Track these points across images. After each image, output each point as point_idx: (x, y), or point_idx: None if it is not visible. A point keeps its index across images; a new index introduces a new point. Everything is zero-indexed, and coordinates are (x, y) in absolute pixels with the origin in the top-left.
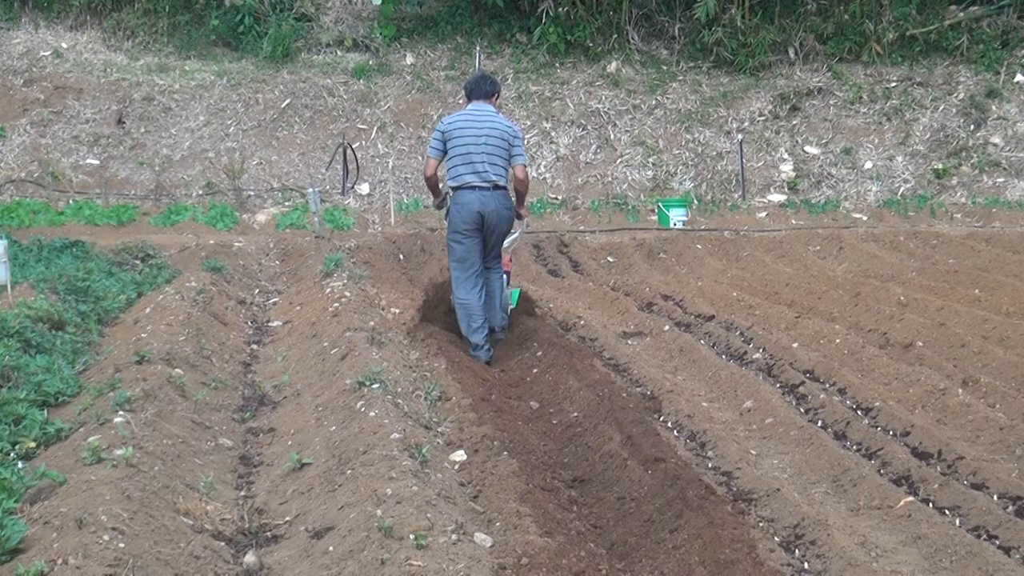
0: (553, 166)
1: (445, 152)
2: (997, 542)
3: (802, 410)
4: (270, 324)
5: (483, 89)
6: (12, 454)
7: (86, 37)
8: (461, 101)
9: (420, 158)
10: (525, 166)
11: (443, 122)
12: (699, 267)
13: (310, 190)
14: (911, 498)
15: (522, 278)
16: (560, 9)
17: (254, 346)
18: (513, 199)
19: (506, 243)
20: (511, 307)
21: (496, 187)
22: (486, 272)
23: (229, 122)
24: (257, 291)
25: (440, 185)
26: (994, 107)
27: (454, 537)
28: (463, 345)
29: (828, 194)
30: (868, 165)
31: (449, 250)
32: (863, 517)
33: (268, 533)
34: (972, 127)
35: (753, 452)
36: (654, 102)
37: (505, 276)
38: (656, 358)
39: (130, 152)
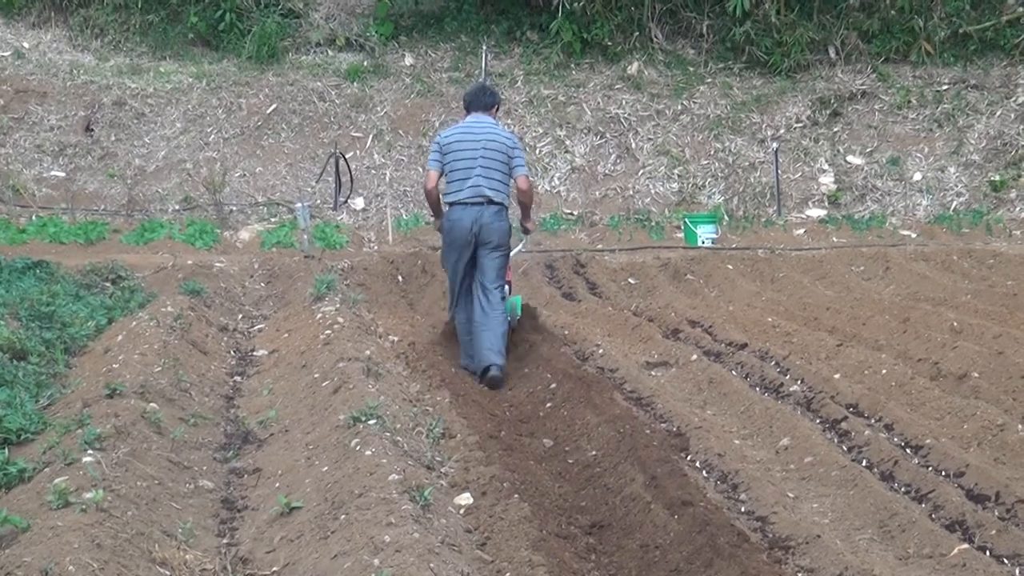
0: (568, 178)
1: (443, 164)
2: None
3: (845, 448)
4: (255, 353)
5: (482, 101)
6: None
7: (50, 36)
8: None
9: (420, 169)
10: (527, 176)
11: (441, 135)
12: (730, 290)
13: (299, 205)
14: (966, 545)
15: (534, 301)
16: (576, 4)
17: (237, 378)
18: (517, 213)
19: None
20: (517, 317)
21: (491, 202)
22: (484, 316)
23: (209, 129)
24: (241, 316)
25: (440, 201)
26: None
27: None
28: (469, 376)
29: (873, 209)
30: (917, 177)
31: (444, 267)
32: (913, 566)
33: None
34: None
35: (791, 495)
36: (680, 107)
37: (507, 287)
38: (683, 391)
39: (99, 163)
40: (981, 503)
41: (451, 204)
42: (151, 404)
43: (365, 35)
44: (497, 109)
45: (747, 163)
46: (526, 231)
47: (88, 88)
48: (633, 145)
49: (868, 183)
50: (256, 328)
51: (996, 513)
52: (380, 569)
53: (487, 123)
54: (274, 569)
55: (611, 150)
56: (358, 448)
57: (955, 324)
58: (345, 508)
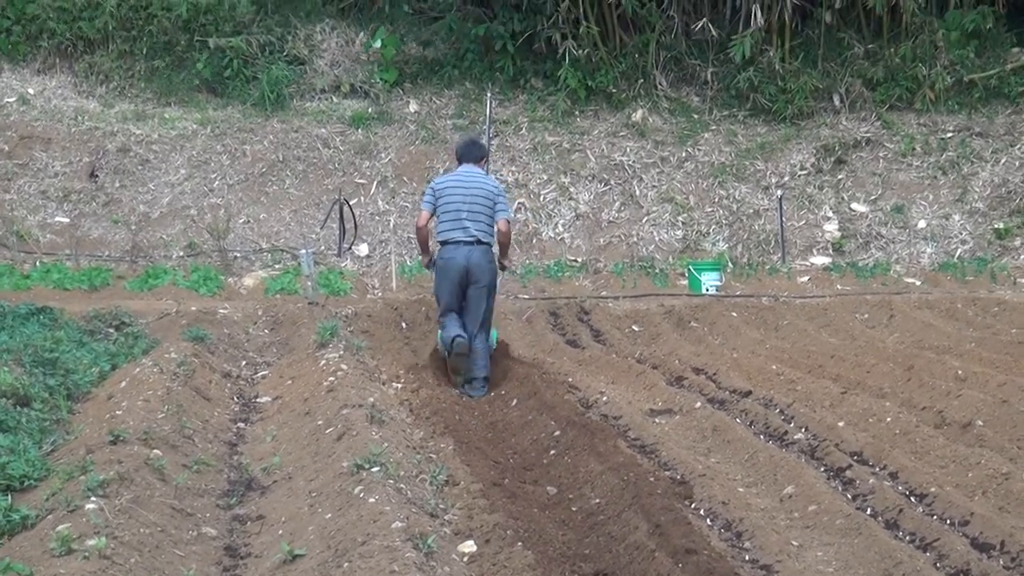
0: (572, 225)
1: (435, 208)
2: None
3: (849, 496)
4: (258, 400)
5: (473, 154)
6: None
7: (55, 82)
8: (452, 165)
9: None
10: (508, 220)
11: (435, 182)
12: (734, 337)
13: (303, 251)
14: None
15: (537, 348)
16: (580, 51)
17: (241, 424)
18: (496, 252)
19: None
20: (492, 348)
21: (479, 242)
22: (474, 321)
23: (213, 176)
24: (244, 363)
25: (429, 242)
26: None
27: None
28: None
29: (877, 256)
30: (922, 224)
31: (436, 300)
32: None
33: None
34: None
35: (795, 543)
36: (684, 154)
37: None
38: (687, 438)
39: (103, 209)
40: (986, 552)
41: (443, 243)
42: (154, 451)
43: (370, 82)
44: (485, 161)
45: (751, 210)
46: (502, 267)
47: (93, 134)
48: (637, 192)
49: (872, 231)
50: (260, 375)
51: (1001, 562)
52: None
53: (476, 173)
54: None
55: (615, 197)
56: (361, 495)
57: (960, 372)
58: (348, 556)
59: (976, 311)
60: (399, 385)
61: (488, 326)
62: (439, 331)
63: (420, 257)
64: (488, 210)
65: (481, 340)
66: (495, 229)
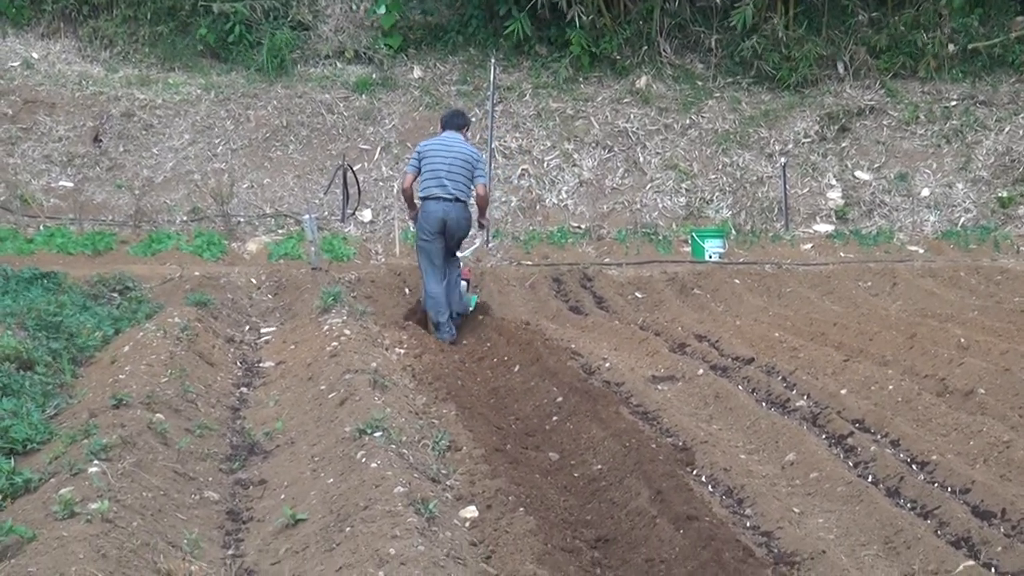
0: (576, 192)
1: (420, 170)
2: None
3: (851, 464)
4: (261, 365)
5: (456, 122)
6: None
7: (59, 47)
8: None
9: None
10: (485, 184)
11: (420, 145)
12: (737, 304)
13: (306, 217)
14: (971, 562)
15: (540, 315)
16: (585, 18)
17: (244, 389)
18: (475, 211)
19: (466, 252)
20: (469, 309)
21: (457, 200)
22: (448, 269)
23: (217, 141)
24: (247, 328)
25: (413, 197)
26: None
27: None
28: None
29: (880, 224)
30: (925, 192)
31: (418, 250)
32: None
33: None
34: None
35: (796, 510)
36: (688, 121)
37: (465, 283)
38: (689, 405)
39: (107, 174)
40: (987, 520)
41: (424, 199)
42: (157, 415)
43: (374, 48)
44: (467, 129)
45: (755, 178)
46: (480, 225)
47: (97, 99)
48: (641, 159)
49: (876, 199)
50: (263, 340)
51: (1002, 530)
52: None
53: (458, 139)
54: None
55: (619, 164)
56: (364, 460)
57: (962, 340)
58: (350, 520)
59: (979, 279)
60: (402, 350)
61: (453, 276)
62: (423, 289)
63: (407, 213)
64: (467, 173)
65: (444, 282)
66: (473, 191)
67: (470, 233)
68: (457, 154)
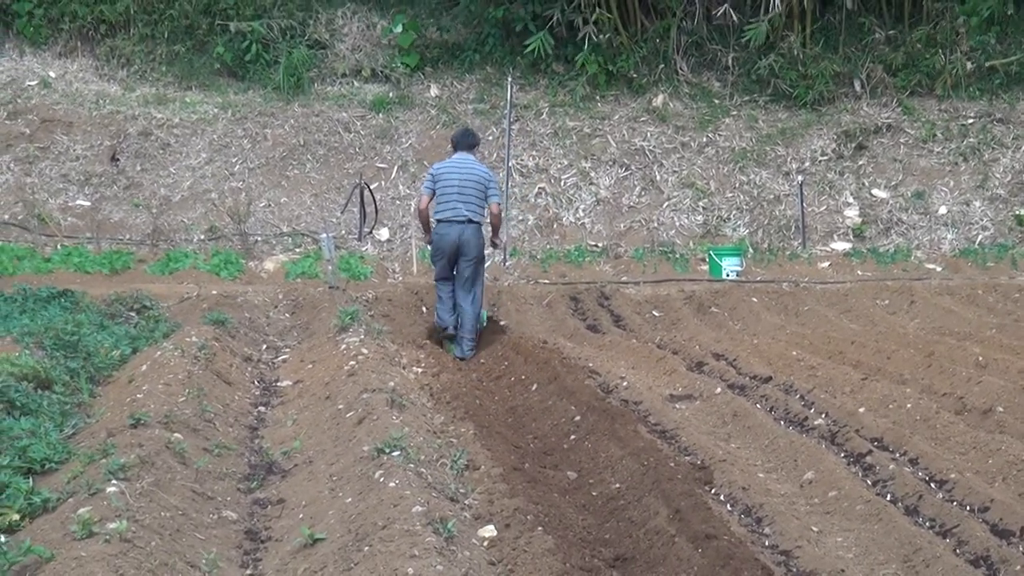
0: (592, 210)
1: (434, 192)
2: None
3: (869, 482)
4: (279, 384)
5: (466, 142)
6: None
7: (76, 66)
8: (448, 151)
9: None
10: (499, 203)
11: (434, 167)
12: (755, 323)
13: (323, 235)
14: None
15: (558, 333)
16: (601, 36)
17: (261, 408)
18: (490, 230)
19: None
20: (483, 326)
21: (470, 222)
22: (463, 296)
23: (234, 160)
24: (265, 347)
25: (430, 218)
26: None
27: None
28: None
29: (898, 242)
30: (942, 210)
31: (433, 268)
32: None
33: None
34: None
35: (815, 529)
36: (705, 139)
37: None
38: (707, 424)
39: (124, 192)
40: (1006, 539)
41: (439, 221)
42: (175, 434)
43: (391, 66)
44: (477, 148)
45: (772, 196)
46: (494, 245)
47: (114, 118)
48: (658, 177)
49: (893, 216)
50: (280, 359)
51: (1021, 548)
52: None
53: (469, 160)
54: None
55: (636, 182)
56: (382, 480)
57: (980, 358)
58: (368, 540)
59: (997, 297)
60: (419, 369)
61: (477, 294)
62: (436, 304)
63: (423, 235)
64: (480, 193)
65: (467, 302)
66: (486, 211)
67: (485, 253)
68: (469, 175)
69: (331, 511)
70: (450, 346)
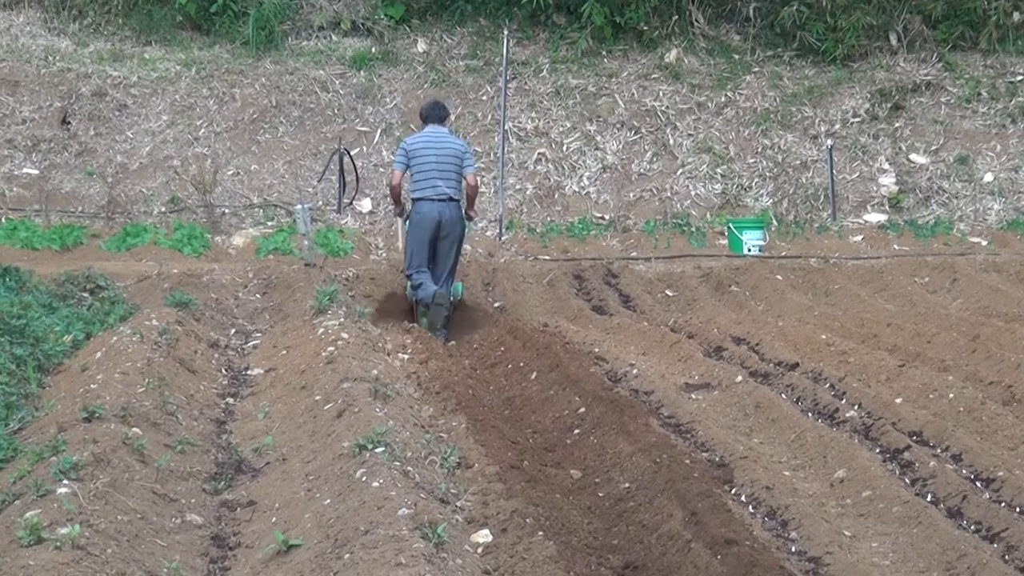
0: (598, 178)
1: (407, 167)
2: None
3: (907, 481)
4: (249, 372)
5: (437, 115)
6: None
7: (23, 18)
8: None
9: None
10: (475, 174)
11: (406, 142)
12: (779, 303)
13: (298, 207)
14: None
15: (560, 315)
16: None
17: (230, 399)
18: (464, 206)
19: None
20: (457, 299)
21: (450, 199)
22: (437, 277)
23: (199, 123)
24: (233, 331)
25: (402, 195)
26: None
27: None
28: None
29: (939, 213)
30: (988, 177)
31: (408, 248)
32: None
33: None
34: None
35: (847, 533)
36: (723, 99)
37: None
38: (726, 416)
39: (76, 160)
40: None
41: (417, 200)
42: (134, 429)
43: (373, 18)
44: (448, 120)
45: (798, 162)
46: (469, 218)
47: (65, 76)
48: (671, 141)
49: (933, 185)
50: (251, 344)
51: None
52: None
53: (443, 133)
54: None
55: (647, 147)
56: (364, 479)
57: None
58: (349, 546)
59: None
60: (406, 356)
61: (453, 276)
62: (408, 282)
63: (395, 209)
64: (457, 168)
65: (445, 287)
66: (463, 184)
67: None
68: (446, 150)
69: (307, 514)
70: (422, 318)
